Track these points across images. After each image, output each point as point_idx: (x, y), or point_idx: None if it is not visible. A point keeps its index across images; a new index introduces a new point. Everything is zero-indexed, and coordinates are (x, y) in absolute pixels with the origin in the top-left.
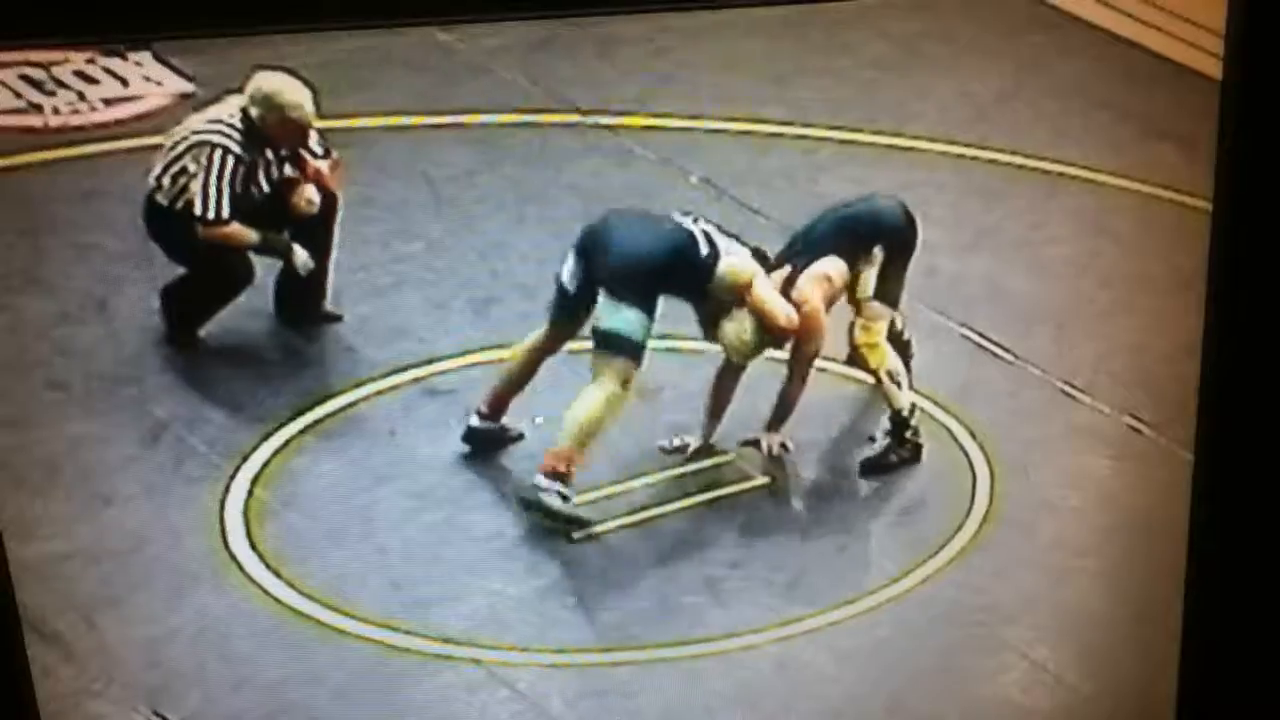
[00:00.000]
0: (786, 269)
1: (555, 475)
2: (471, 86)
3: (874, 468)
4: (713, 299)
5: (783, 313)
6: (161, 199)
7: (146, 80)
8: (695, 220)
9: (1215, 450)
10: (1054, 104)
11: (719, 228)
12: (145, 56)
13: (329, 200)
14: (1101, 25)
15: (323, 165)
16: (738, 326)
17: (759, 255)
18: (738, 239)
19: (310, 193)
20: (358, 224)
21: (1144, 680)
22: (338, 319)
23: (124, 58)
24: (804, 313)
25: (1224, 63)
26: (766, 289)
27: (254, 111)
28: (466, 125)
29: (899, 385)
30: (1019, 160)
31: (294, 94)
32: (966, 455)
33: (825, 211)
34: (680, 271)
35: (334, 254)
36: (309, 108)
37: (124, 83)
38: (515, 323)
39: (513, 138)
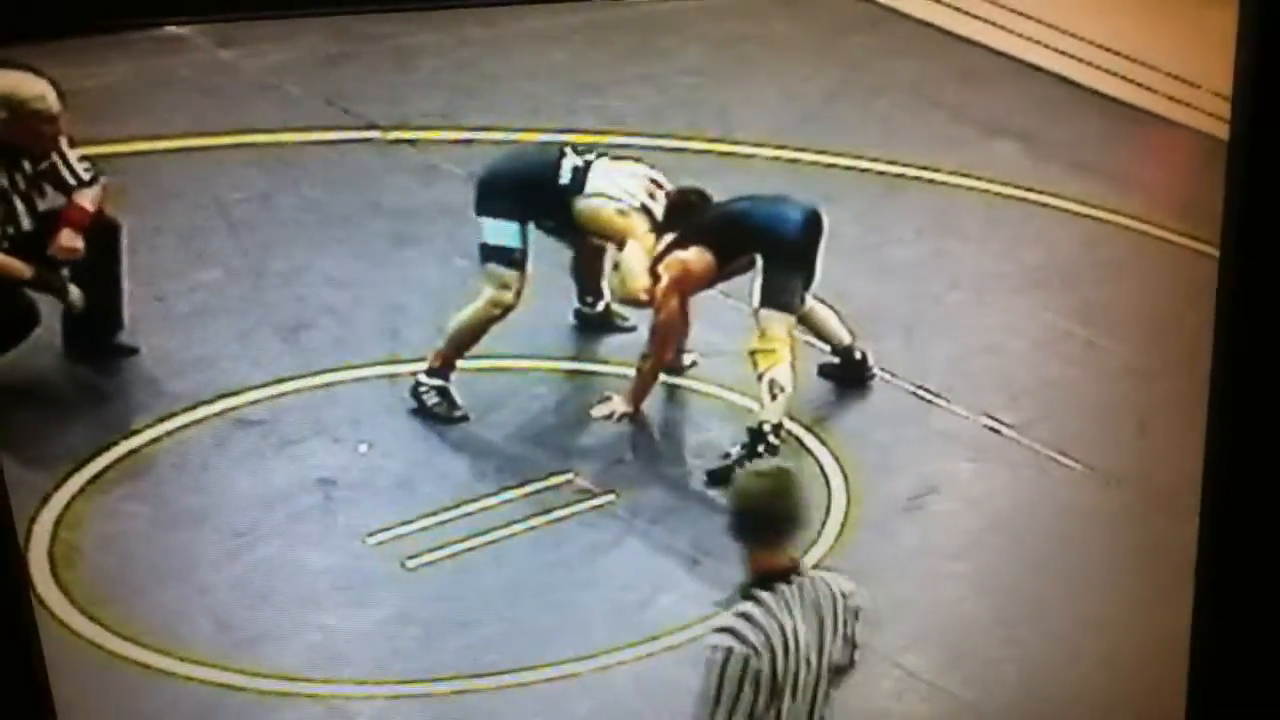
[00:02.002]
0: (666, 240)
1: (432, 372)
2: (259, 106)
3: (721, 479)
4: (582, 235)
5: (638, 281)
6: None
7: None
8: (584, 153)
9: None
10: (884, 103)
11: (636, 174)
12: None
13: (109, 230)
14: (929, 21)
15: (86, 199)
16: (614, 275)
17: (650, 215)
18: (670, 196)
19: (68, 239)
20: (150, 252)
21: (1020, 680)
22: (133, 351)
23: None
24: (655, 290)
25: (1232, 113)
26: (633, 251)
27: None
28: (257, 145)
29: (774, 398)
30: (852, 162)
31: (31, 86)
32: (819, 462)
33: (733, 199)
34: (533, 192)
35: (125, 284)
36: (51, 99)
37: None
38: (328, 348)
39: (309, 157)
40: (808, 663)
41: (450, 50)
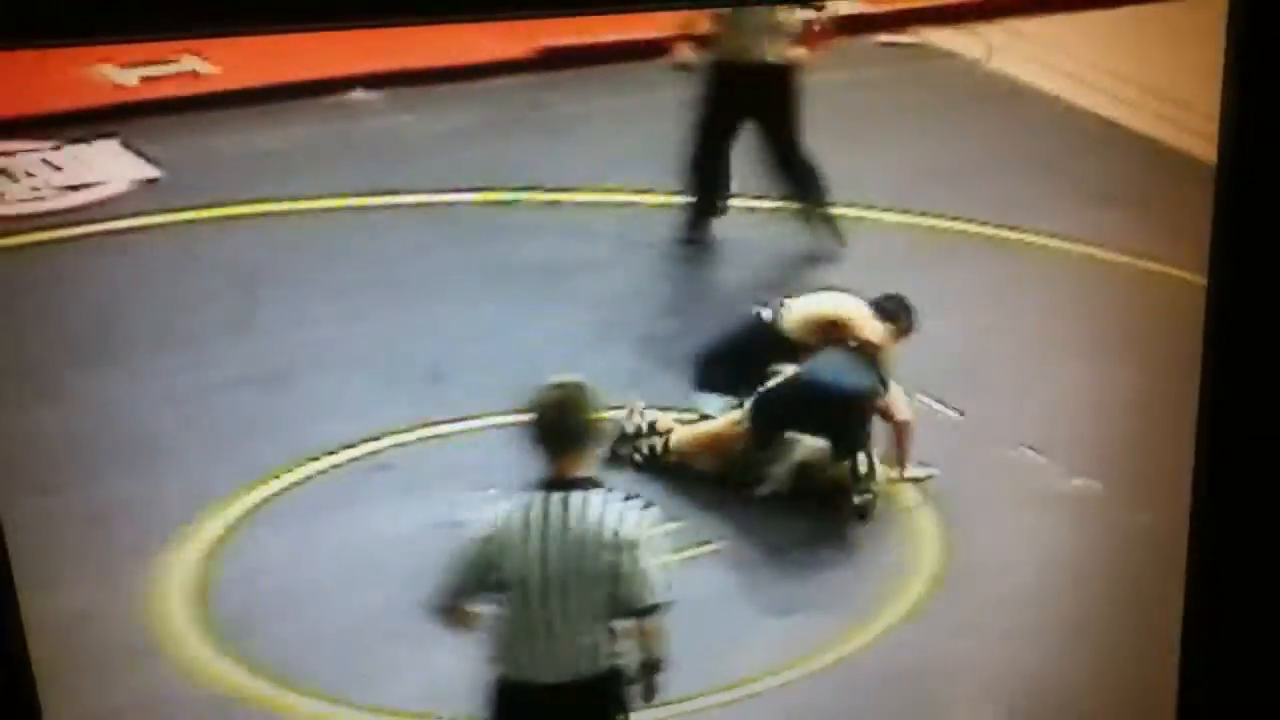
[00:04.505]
0: None
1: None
2: (428, 167)
3: None
4: None
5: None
6: None
7: (109, 167)
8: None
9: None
10: (998, 170)
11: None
12: (112, 145)
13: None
14: (1047, 91)
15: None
16: None
17: None
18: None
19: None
20: (311, 304)
21: None
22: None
23: (89, 144)
24: None
25: (1219, 145)
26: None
27: None
28: (420, 205)
29: None
30: (963, 226)
31: None
32: (917, 517)
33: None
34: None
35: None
36: None
37: (87, 169)
38: (465, 398)
39: (467, 216)
40: (542, 567)
41: (598, 119)
